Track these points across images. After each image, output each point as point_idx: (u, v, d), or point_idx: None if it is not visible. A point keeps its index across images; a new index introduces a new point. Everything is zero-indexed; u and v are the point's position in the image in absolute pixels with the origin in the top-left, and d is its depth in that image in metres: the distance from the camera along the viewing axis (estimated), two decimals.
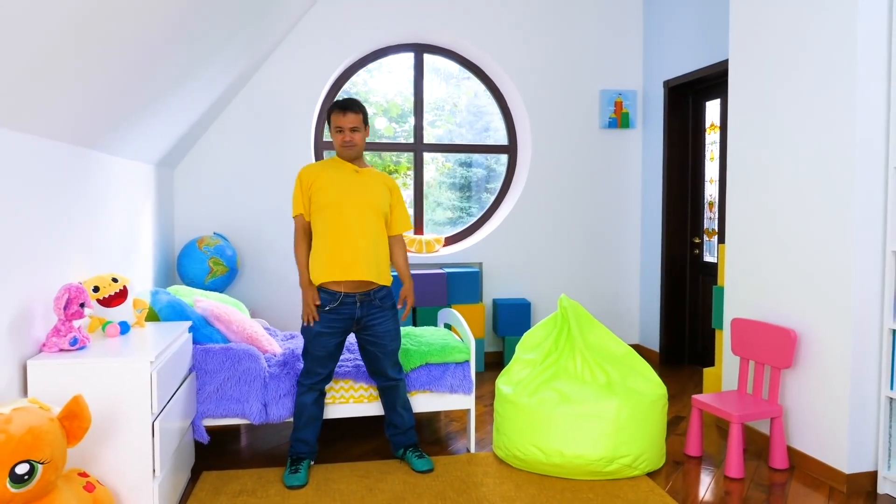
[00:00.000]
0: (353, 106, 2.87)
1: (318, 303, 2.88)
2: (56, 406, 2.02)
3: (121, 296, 2.64)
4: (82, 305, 2.30)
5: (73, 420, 1.92)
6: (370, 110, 5.20)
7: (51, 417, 1.88)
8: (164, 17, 2.50)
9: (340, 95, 4.98)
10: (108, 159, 3.05)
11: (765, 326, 3.17)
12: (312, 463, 3.03)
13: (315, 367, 2.93)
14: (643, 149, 5.25)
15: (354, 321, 2.92)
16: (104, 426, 2.23)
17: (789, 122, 3.13)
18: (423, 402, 3.21)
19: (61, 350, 2.27)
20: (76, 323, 2.32)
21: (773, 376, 3.09)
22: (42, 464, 1.81)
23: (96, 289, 2.57)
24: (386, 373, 3.00)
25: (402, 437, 3.09)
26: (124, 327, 2.58)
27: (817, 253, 2.97)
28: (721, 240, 4.56)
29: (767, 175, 3.28)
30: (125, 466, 2.26)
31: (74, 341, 2.28)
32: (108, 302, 2.60)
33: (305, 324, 2.91)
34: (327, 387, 3.11)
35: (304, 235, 2.94)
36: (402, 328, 3.55)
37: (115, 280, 2.63)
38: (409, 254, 4.95)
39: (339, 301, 2.87)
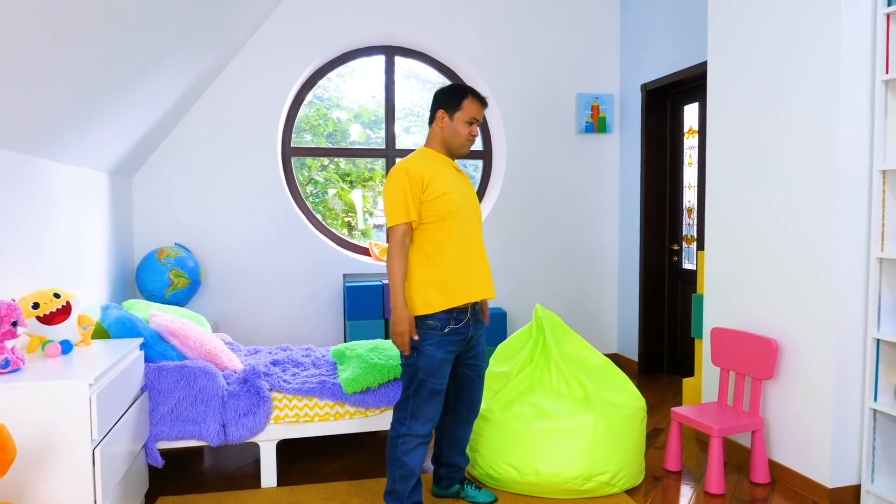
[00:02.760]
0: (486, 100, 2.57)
1: (415, 336, 2.42)
2: None
3: (64, 312, 2.46)
4: (14, 324, 2.13)
5: None
6: (342, 115, 5.06)
7: None
8: (112, 8, 2.34)
9: (310, 100, 4.83)
10: (52, 166, 2.87)
11: (745, 336, 3.07)
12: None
13: (430, 410, 2.46)
14: (621, 154, 5.16)
15: (466, 341, 2.53)
16: (40, 455, 2.05)
17: (770, 125, 3.04)
18: (390, 418, 3.05)
19: None
20: (9, 343, 2.14)
21: (753, 387, 2.99)
22: None
23: (35, 305, 2.39)
24: (479, 402, 2.69)
25: (460, 472, 2.81)
26: (66, 346, 2.41)
27: (799, 260, 2.88)
28: (700, 246, 4.47)
29: (747, 180, 3.19)
30: (63, 498, 2.08)
31: (6, 363, 2.10)
32: (49, 319, 2.43)
33: (414, 353, 2.43)
34: (284, 405, 2.94)
35: (405, 248, 2.42)
36: (365, 342, 3.39)
37: (57, 296, 2.46)
38: (376, 262, 4.80)
39: (464, 320, 2.47)
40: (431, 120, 2.56)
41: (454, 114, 2.49)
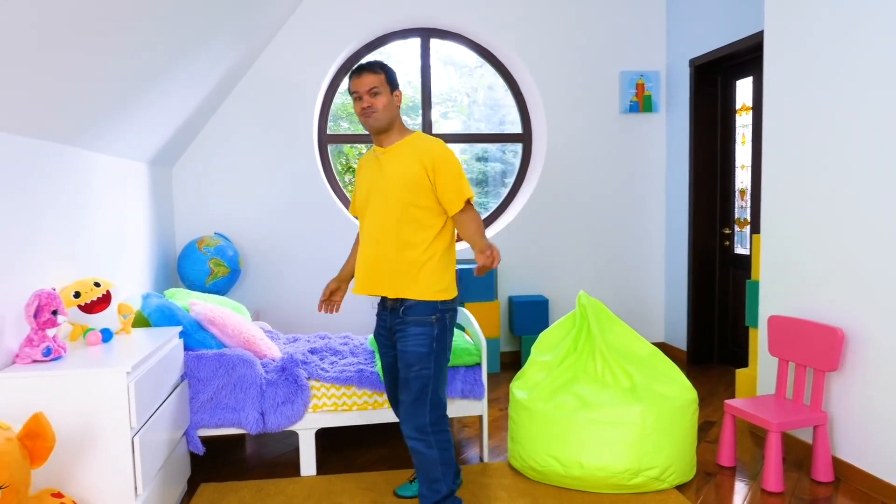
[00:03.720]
0: (370, 66, 2.31)
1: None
2: (20, 424, 1.84)
3: (104, 301, 2.47)
4: (55, 313, 2.13)
5: (35, 440, 1.75)
6: None
7: (9, 437, 1.71)
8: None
9: (345, 87, 4.76)
10: (93, 156, 2.88)
11: (807, 325, 2.89)
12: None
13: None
14: (667, 134, 4.95)
15: (388, 330, 2.45)
16: (81, 442, 2.05)
17: (834, 100, 2.83)
18: None
19: (34, 361, 2.10)
20: (50, 331, 2.14)
21: (816, 379, 2.81)
22: (0, 488, 1.63)
23: (77, 294, 2.40)
24: (403, 402, 2.35)
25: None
26: (107, 335, 2.41)
27: (866, 243, 2.68)
28: (755, 230, 4.26)
29: (809, 158, 2.99)
30: (105, 485, 2.08)
31: (48, 351, 2.11)
32: (90, 308, 2.43)
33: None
34: (322, 394, 2.91)
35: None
36: None
37: (97, 284, 2.46)
38: None
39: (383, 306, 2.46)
40: None
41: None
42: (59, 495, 1.92)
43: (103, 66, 2.41)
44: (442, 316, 2.34)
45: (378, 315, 2.51)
